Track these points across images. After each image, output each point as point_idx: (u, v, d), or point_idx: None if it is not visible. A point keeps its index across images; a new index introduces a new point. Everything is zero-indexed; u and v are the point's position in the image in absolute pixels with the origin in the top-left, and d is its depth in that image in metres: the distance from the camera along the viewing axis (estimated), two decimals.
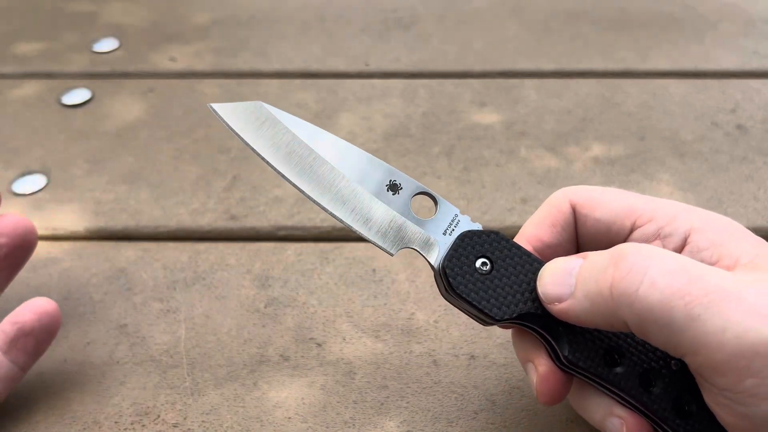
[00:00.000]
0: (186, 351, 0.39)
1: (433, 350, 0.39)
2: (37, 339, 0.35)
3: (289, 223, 0.47)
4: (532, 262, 0.30)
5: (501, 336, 0.39)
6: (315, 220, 0.47)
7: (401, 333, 0.40)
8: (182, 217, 0.47)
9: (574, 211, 0.32)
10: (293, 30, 0.68)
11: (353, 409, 0.36)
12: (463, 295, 0.30)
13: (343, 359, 0.38)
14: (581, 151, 0.52)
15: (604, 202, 0.31)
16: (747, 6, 0.69)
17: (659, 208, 0.30)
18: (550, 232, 0.31)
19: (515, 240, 0.32)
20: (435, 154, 0.52)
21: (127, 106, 0.58)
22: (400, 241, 0.31)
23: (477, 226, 0.31)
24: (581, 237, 0.32)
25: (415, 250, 0.31)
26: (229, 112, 0.32)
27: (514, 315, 0.30)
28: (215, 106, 0.32)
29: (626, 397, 0.29)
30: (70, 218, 0.47)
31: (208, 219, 0.47)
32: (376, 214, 0.31)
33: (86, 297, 0.42)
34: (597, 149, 0.52)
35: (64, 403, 0.36)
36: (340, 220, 0.31)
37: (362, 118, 0.56)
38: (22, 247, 0.37)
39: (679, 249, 0.29)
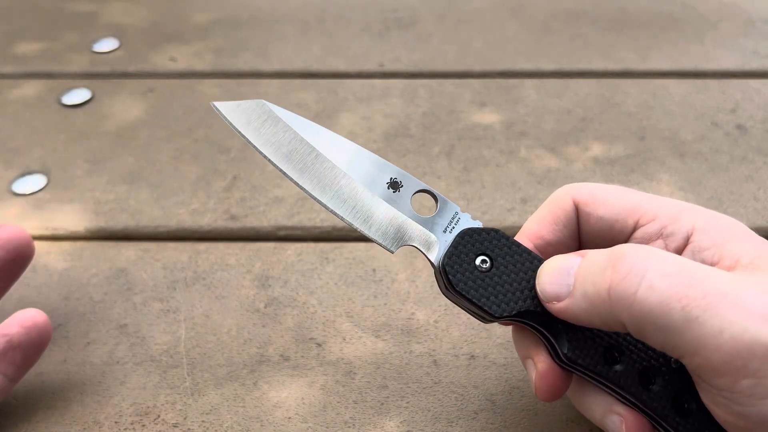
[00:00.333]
0: (186, 351, 0.39)
1: (433, 350, 0.39)
2: (24, 352, 0.34)
3: (289, 223, 0.47)
4: (532, 260, 0.30)
5: (501, 336, 0.39)
6: (315, 220, 0.47)
7: (401, 333, 0.40)
8: (182, 217, 0.47)
9: (577, 209, 0.32)
10: (293, 30, 0.68)
11: (353, 409, 0.36)
12: (463, 293, 0.30)
13: (343, 359, 0.38)
14: (581, 151, 0.52)
15: (607, 200, 0.31)
16: (747, 6, 0.69)
17: (662, 206, 0.30)
18: (552, 230, 0.32)
19: (517, 237, 0.32)
20: (435, 154, 0.52)
21: (127, 106, 0.58)
22: (401, 239, 0.31)
23: (477, 224, 0.31)
24: (583, 235, 0.32)
25: (416, 247, 0.31)
26: (232, 110, 0.32)
27: (514, 312, 0.30)
28: (218, 104, 0.33)
29: (626, 395, 0.29)
30: (70, 218, 0.47)
31: (208, 219, 0.47)
32: (377, 211, 0.31)
33: (86, 297, 0.42)
34: (597, 149, 0.52)
35: (64, 403, 0.36)
36: (341, 218, 0.31)
37: (362, 118, 0.56)
38: (17, 260, 0.37)
39: (681, 248, 0.29)
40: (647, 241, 0.30)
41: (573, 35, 0.66)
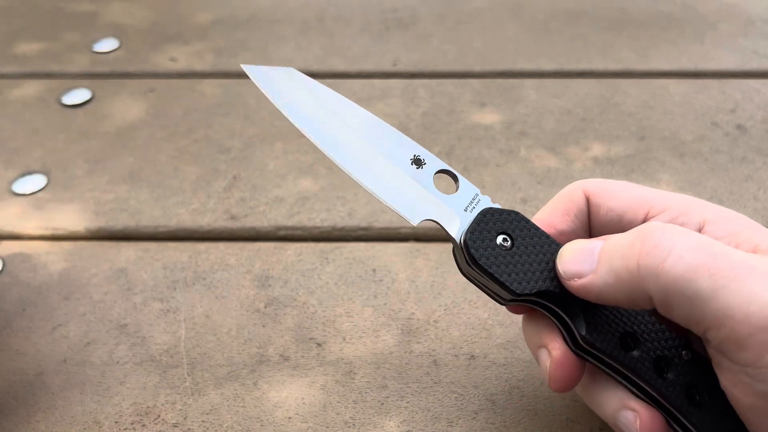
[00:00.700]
0: (186, 351, 0.39)
1: (433, 350, 0.39)
2: None
3: (289, 223, 0.47)
4: (551, 243, 0.31)
5: (501, 336, 0.39)
6: (315, 220, 0.47)
7: (401, 333, 0.40)
8: (182, 217, 0.47)
9: (588, 201, 0.32)
10: (293, 30, 0.68)
11: (353, 409, 0.36)
12: (486, 267, 0.30)
13: (343, 359, 0.38)
14: (581, 151, 0.52)
15: (618, 192, 0.32)
16: (747, 6, 0.69)
17: (672, 199, 0.31)
18: (564, 220, 0.32)
19: None
20: (435, 154, 0.52)
21: (128, 106, 0.58)
22: (423, 213, 0.31)
23: (497, 206, 0.32)
24: (594, 226, 0.32)
25: (437, 223, 0.31)
26: (262, 75, 0.33)
27: (534, 291, 0.30)
28: (246, 67, 0.33)
29: (640, 383, 0.29)
30: (70, 218, 0.47)
31: (208, 219, 0.47)
32: (401, 183, 0.32)
33: (86, 297, 0.42)
34: (597, 149, 0.52)
35: (64, 403, 0.37)
36: (366, 187, 0.31)
37: None
38: None
39: None
40: None
41: (573, 35, 0.66)
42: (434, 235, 0.45)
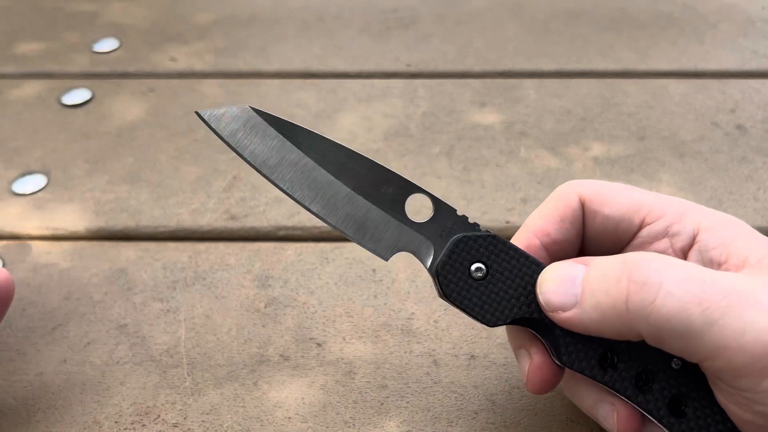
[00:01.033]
0: (186, 351, 0.39)
1: (433, 350, 0.39)
2: None
3: (289, 223, 0.47)
4: (530, 265, 0.30)
5: (501, 336, 0.39)
6: (315, 220, 0.47)
7: (401, 333, 0.40)
8: (182, 217, 0.47)
9: (583, 207, 0.31)
10: (293, 30, 0.68)
11: (353, 409, 0.36)
12: (456, 303, 0.30)
13: (343, 359, 0.38)
14: (581, 151, 0.52)
15: (614, 197, 0.31)
16: (747, 6, 0.69)
17: (668, 205, 0.30)
18: (559, 228, 0.31)
19: (520, 232, 0.32)
20: (435, 154, 0.52)
21: (128, 106, 0.58)
22: (394, 246, 0.31)
23: (475, 227, 0.31)
24: (588, 233, 0.32)
25: (411, 253, 0.31)
26: (217, 119, 0.31)
27: (508, 320, 0.29)
28: (201, 113, 0.32)
29: (620, 396, 0.29)
30: (70, 218, 0.47)
31: (208, 219, 0.47)
32: (369, 218, 0.31)
33: (86, 297, 0.42)
34: (597, 149, 0.52)
35: (64, 403, 0.37)
36: (333, 227, 0.30)
37: (362, 118, 0.56)
38: None
39: (688, 247, 0.29)
40: (653, 240, 0.30)
41: (573, 35, 0.66)
42: None
